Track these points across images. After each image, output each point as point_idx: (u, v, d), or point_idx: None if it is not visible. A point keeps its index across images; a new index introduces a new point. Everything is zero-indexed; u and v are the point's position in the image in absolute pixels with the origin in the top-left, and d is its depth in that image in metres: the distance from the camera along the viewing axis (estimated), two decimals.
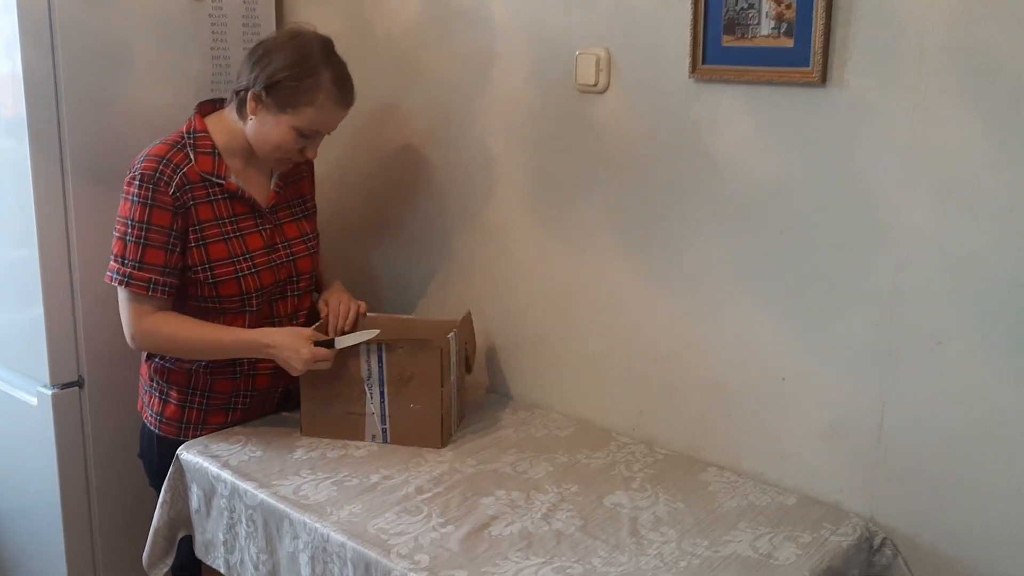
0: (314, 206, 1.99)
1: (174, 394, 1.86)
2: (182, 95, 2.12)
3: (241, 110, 1.80)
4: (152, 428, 1.89)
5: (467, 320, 1.97)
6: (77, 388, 2.08)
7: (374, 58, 2.19)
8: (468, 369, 1.95)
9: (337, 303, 1.91)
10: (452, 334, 1.85)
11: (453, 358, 1.84)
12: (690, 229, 1.73)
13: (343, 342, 1.79)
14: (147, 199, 1.72)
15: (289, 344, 1.75)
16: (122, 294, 1.75)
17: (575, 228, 1.91)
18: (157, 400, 1.88)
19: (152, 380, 1.88)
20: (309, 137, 1.80)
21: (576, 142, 1.87)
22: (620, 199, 1.83)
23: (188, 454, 1.77)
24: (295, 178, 1.95)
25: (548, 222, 1.96)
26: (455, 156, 2.10)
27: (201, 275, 1.77)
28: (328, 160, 2.14)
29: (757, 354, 1.69)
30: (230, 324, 1.81)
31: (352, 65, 1.82)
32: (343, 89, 1.80)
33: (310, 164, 1.99)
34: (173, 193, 1.73)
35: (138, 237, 1.72)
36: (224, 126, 1.83)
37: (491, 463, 1.75)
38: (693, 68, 1.67)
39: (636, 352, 1.86)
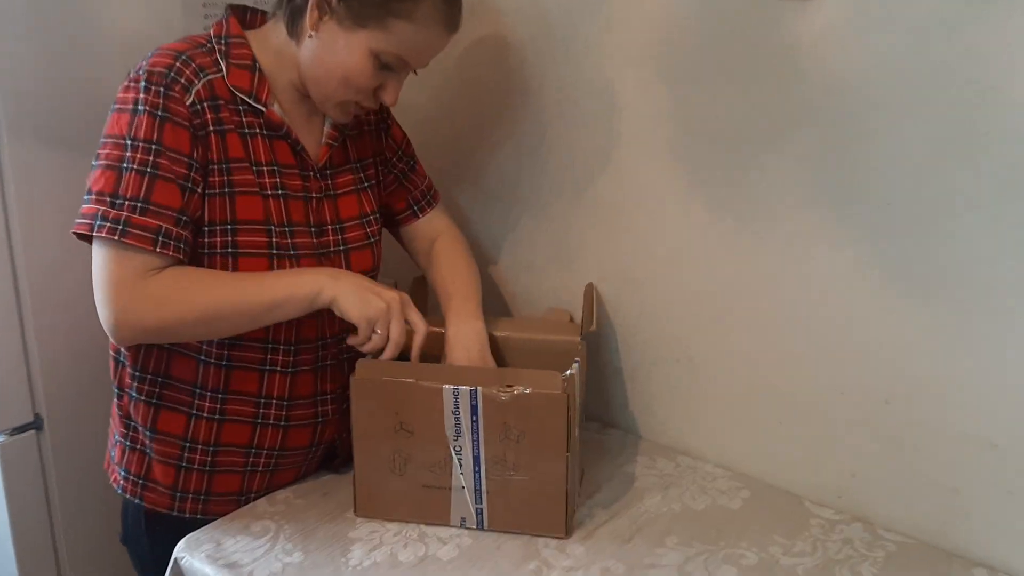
0: (375, 174, 1.37)
1: (161, 447, 1.26)
2: (164, 16, 1.49)
3: (294, 25, 1.19)
4: (131, 497, 1.30)
5: (588, 302, 1.41)
6: (34, 431, 1.48)
7: None
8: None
9: (465, 353, 1.29)
10: (575, 366, 1.24)
11: (578, 399, 1.25)
12: (966, 211, 1.11)
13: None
14: (157, 108, 1.11)
15: (364, 284, 1.19)
16: (106, 253, 1.10)
17: (751, 203, 1.29)
18: (135, 454, 1.28)
19: (127, 425, 1.28)
20: (392, 70, 1.19)
21: (758, 76, 1.24)
22: (833, 162, 1.20)
23: (193, 558, 1.17)
24: (356, 131, 1.34)
25: (706, 193, 1.34)
26: (557, 96, 1.46)
27: (217, 239, 1.17)
28: None
29: None
30: (247, 336, 1.22)
31: None
32: (452, 4, 1.19)
33: (381, 110, 1.38)
34: (192, 105, 1.14)
35: (143, 163, 1.10)
36: (267, 46, 1.22)
37: (647, 564, 1.16)
38: None
39: (848, 387, 1.26)
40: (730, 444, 1.39)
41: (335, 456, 1.37)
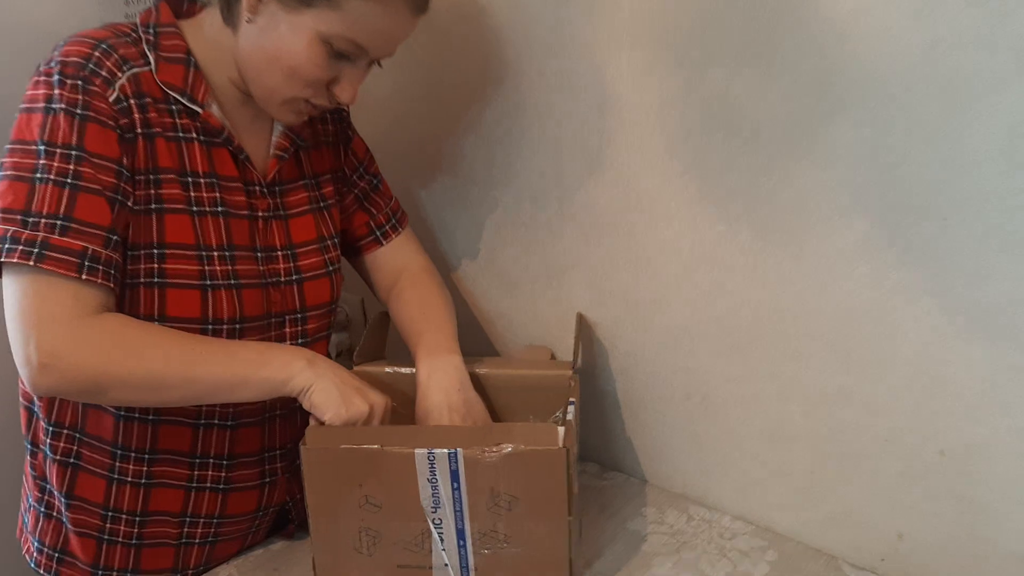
0: (334, 193, 1.16)
1: (78, 516, 1.06)
2: (79, 6, 1.26)
3: (230, 9, 0.98)
4: (45, 573, 1.10)
5: (576, 335, 1.21)
6: None
7: None
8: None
9: (444, 412, 1.07)
10: (572, 409, 1.04)
11: (575, 448, 1.04)
12: None
13: None
14: (76, 105, 0.91)
15: (347, 379, 0.98)
16: (22, 282, 0.88)
17: (774, 214, 1.09)
18: (51, 523, 1.08)
19: (42, 488, 1.08)
20: (347, 59, 0.97)
21: (783, 60, 1.03)
22: (876, 165, 1.00)
23: None
24: (312, 142, 1.13)
25: (719, 202, 1.13)
26: (540, 92, 1.25)
27: (142, 266, 0.96)
28: None
29: None
30: None
31: None
32: None
33: (341, 119, 1.17)
34: (117, 102, 0.93)
35: (62, 172, 0.90)
36: (203, 40, 1.01)
37: None
38: None
39: (895, 434, 1.07)
40: (753, 495, 1.20)
41: (288, 521, 1.16)
